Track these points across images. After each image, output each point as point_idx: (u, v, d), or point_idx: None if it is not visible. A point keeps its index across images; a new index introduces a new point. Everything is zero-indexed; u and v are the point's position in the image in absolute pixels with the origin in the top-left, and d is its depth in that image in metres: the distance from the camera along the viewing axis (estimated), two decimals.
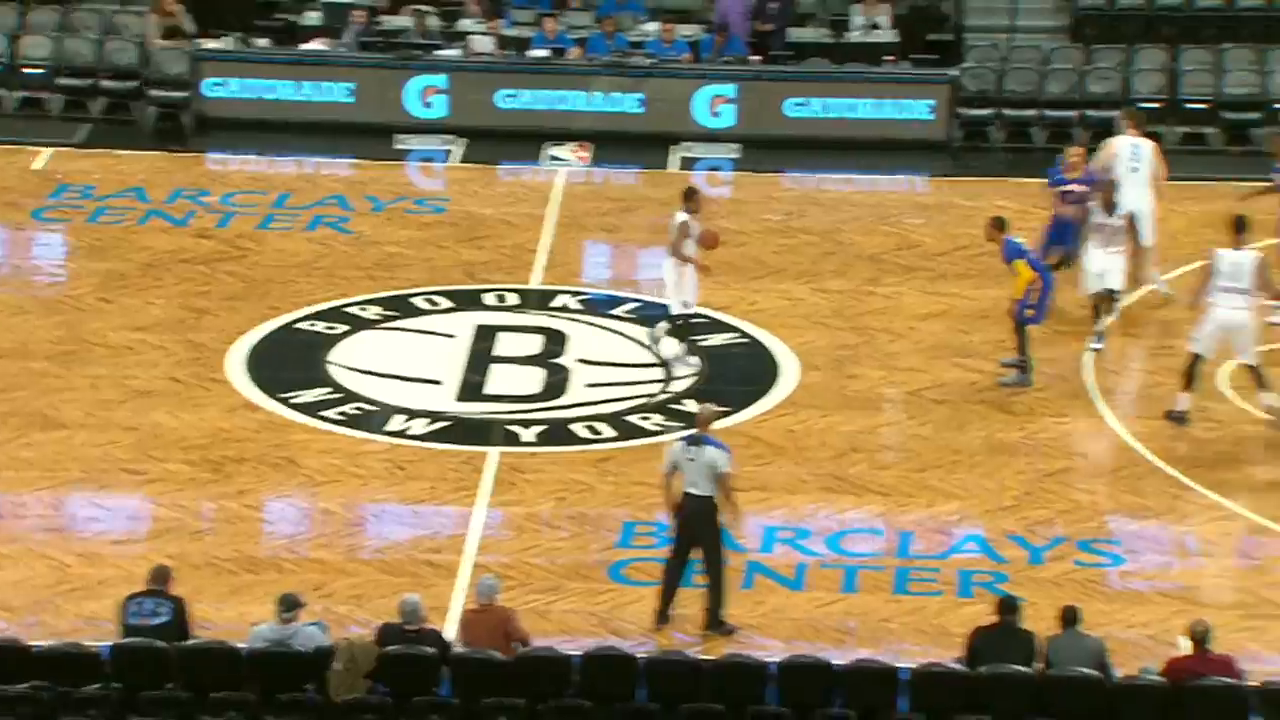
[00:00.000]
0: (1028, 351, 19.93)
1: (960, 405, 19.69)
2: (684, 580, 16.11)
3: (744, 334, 21.08)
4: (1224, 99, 26.29)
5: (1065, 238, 20.98)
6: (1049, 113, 26.50)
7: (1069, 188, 20.93)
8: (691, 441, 16.08)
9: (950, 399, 19.83)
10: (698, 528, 15.97)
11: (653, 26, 27.48)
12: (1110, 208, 20.39)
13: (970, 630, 14.73)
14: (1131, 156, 21.75)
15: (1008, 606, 14.63)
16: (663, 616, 16.10)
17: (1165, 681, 14.08)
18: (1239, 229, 19.28)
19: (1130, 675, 14.41)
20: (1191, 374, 19.08)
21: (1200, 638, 14.15)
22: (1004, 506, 17.94)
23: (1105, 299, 20.42)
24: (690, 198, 20.09)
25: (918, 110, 26.35)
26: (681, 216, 19.99)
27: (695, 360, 20.20)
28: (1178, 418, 19.12)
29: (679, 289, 20.05)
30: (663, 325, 20.28)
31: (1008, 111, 26.62)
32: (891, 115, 26.37)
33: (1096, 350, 20.27)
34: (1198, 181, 24.52)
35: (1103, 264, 20.31)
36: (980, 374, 20.21)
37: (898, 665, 14.47)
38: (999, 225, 20.05)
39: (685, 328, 20.22)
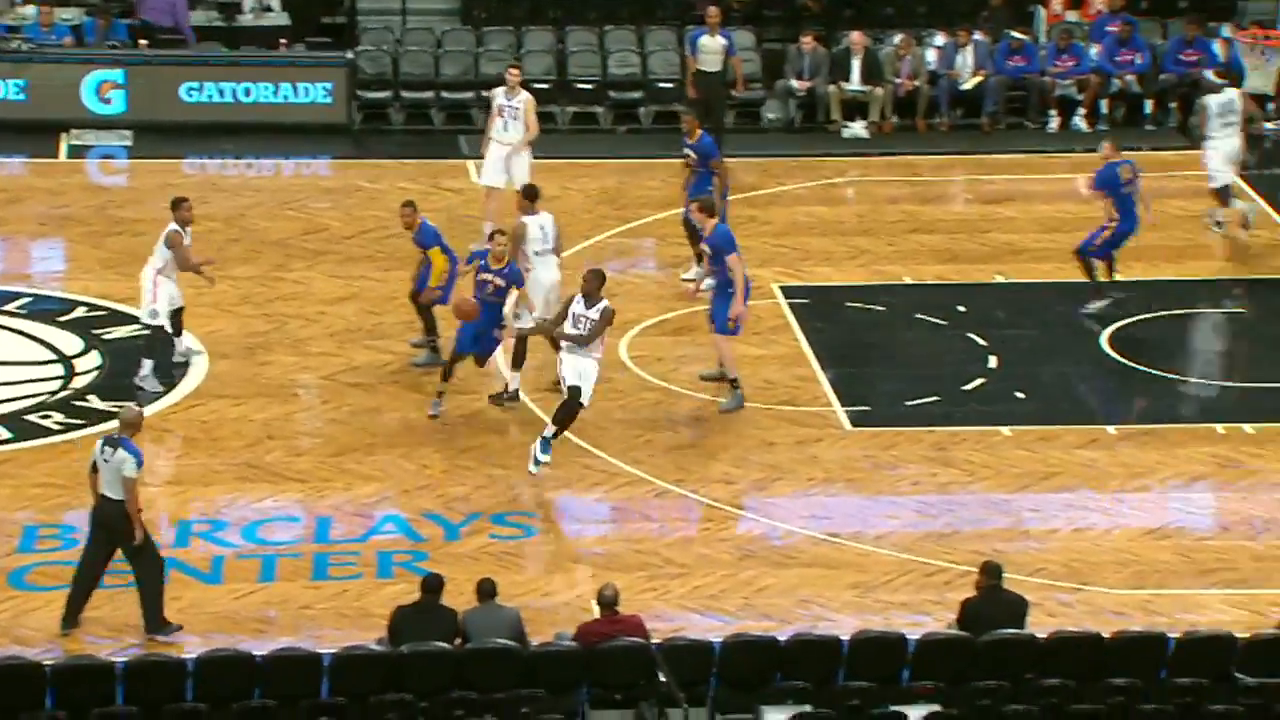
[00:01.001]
0: (436, 331, 19.95)
1: (375, 388, 19.58)
2: (100, 583, 15.57)
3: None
4: (610, 79, 26.89)
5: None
6: (446, 94, 26.64)
7: (487, 276, 19.03)
8: (108, 442, 15.52)
9: (365, 382, 19.69)
10: (112, 531, 15.43)
11: (30, 10, 26.47)
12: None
13: (391, 610, 14.68)
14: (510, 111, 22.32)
15: (430, 584, 14.61)
16: (71, 620, 15.51)
17: (578, 646, 14.29)
18: (532, 196, 19.64)
19: (546, 642, 14.57)
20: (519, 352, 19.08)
21: (608, 601, 14.40)
22: (421, 486, 17.92)
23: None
24: (177, 207, 19.34)
25: (315, 94, 26.13)
26: (172, 226, 19.21)
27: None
28: (501, 399, 19.07)
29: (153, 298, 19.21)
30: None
31: (406, 94, 26.67)
32: (289, 99, 26.09)
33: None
34: (590, 160, 25.09)
35: (576, 366, 17.96)
36: (393, 355, 20.15)
37: (320, 651, 14.29)
38: (414, 208, 19.94)
39: (154, 338, 19.37)
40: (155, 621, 15.54)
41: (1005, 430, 18.98)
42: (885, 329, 21.08)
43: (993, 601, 14.56)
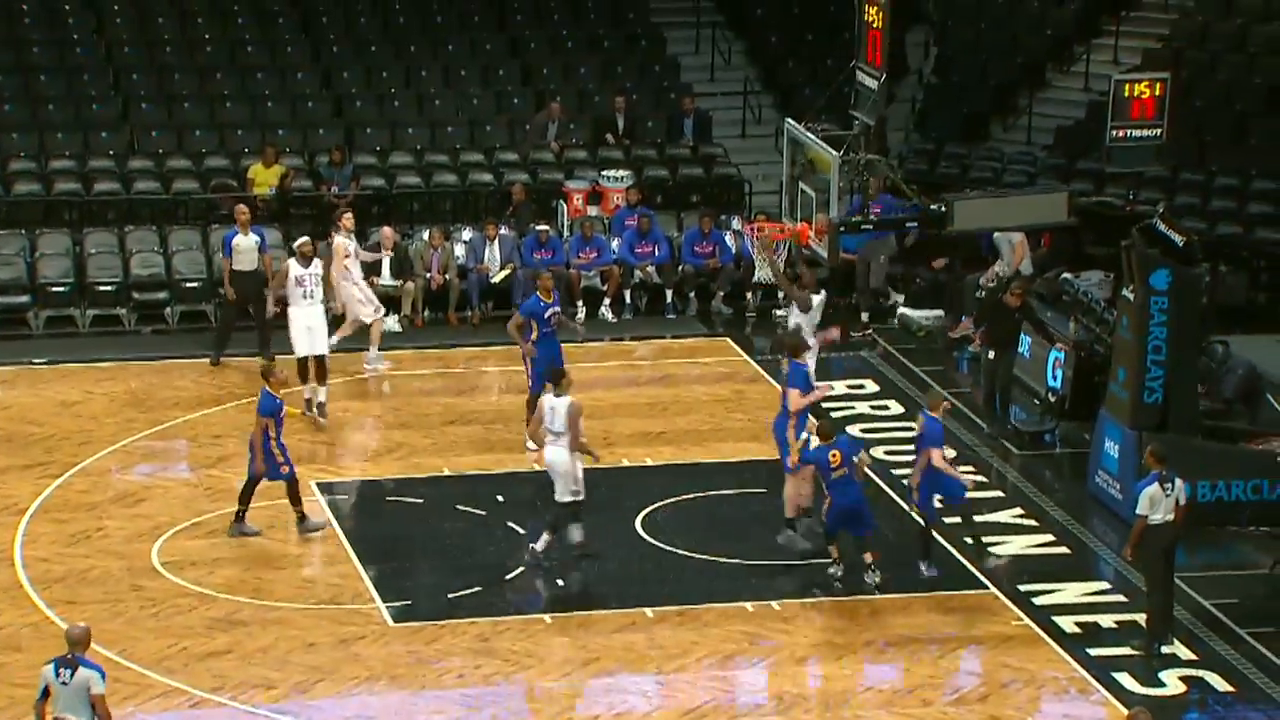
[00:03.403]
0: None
1: None
2: None
3: None
4: (132, 280, 26.33)
5: None
6: None
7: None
8: (62, 664, 14.48)
9: None
10: None
11: None
12: None
13: None
14: None
15: None
16: None
17: None
18: (556, 379, 19.90)
19: None
20: None
21: None
22: None
23: None
24: None
25: None
26: None
27: None
28: None
29: None
30: None
31: None
32: None
33: None
34: (114, 362, 24.46)
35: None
36: None
37: None
38: None
39: None
40: None
41: (547, 618, 18.95)
42: (426, 521, 20.90)
43: None
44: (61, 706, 14.63)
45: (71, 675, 14.60)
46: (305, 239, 23.54)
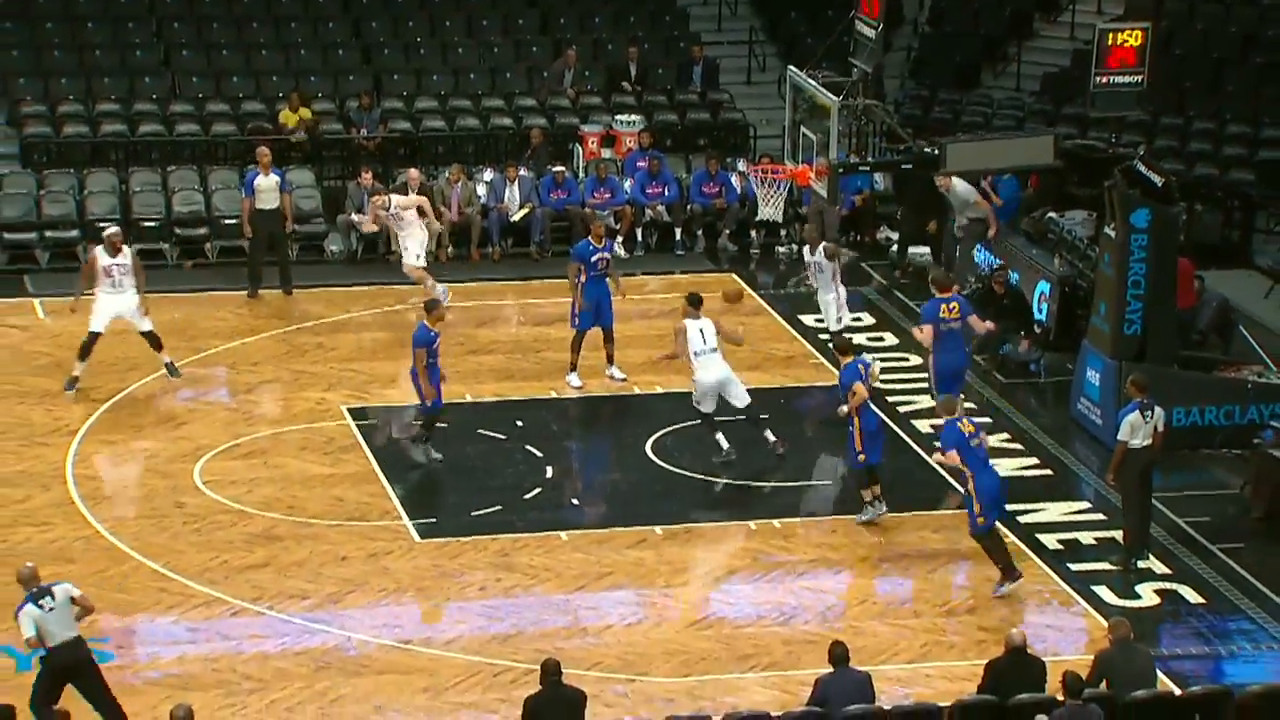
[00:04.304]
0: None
1: None
2: None
3: None
4: (174, 217, 26.35)
5: None
6: (10, 235, 25.74)
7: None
8: (40, 595, 14.78)
9: None
10: (80, 671, 14.77)
11: None
12: None
13: None
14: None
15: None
16: None
17: None
18: (695, 303, 20.45)
19: None
20: None
21: (184, 714, 13.88)
22: None
23: None
24: None
25: None
26: None
27: None
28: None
29: None
30: None
31: None
32: None
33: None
34: (157, 294, 24.38)
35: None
36: None
37: None
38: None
39: None
40: None
41: (563, 535, 19.03)
42: (450, 445, 20.96)
43: (553, 698, 14.52)
44: (52, 631, 14.87)
45: (52, 600, 14.89)
46: (115, 229, 22.31)
